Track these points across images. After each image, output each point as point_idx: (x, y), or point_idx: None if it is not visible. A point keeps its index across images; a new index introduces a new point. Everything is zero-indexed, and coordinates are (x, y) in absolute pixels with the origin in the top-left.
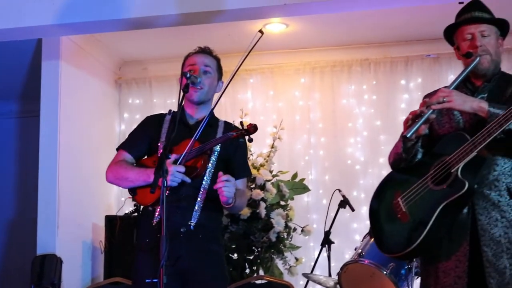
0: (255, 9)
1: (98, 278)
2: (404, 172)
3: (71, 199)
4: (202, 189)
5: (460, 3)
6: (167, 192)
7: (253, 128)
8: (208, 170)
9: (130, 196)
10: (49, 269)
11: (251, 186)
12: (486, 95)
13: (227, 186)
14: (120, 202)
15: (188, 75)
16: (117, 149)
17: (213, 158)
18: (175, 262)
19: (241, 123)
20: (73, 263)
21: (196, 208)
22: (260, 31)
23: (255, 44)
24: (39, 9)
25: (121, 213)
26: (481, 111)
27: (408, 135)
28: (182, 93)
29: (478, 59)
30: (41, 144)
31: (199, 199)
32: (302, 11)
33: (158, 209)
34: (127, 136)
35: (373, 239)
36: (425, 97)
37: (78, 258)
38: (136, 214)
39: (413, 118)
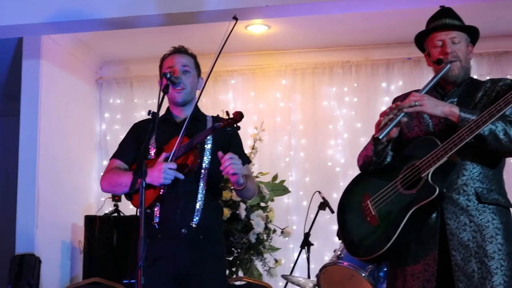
0: (236, 10)
1: (77, 278)
2: (373, 175)
3: (51, 199)
4: (201, 184)
5: (441, 6)
6: (162, 191)
7: (239, 116)
8: (204, 165)
9: (109, 196)
10: (27, 269)
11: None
12: (455, 99)
13: (234, 163)
14: (99, 202)
15: (168, 76)
16: (110, 160)
17: (207, 151)
18: (152, 263)
19: (227, 112)
20: (52, 263)
21: (198, 206)
22: (234, 17)
23: (231, 31)
24: (20, 8)
25: (100, 213)
26: (452, 115)
27: (380, 137)
28: (162, 94)
29: (448, 66)
30: (20, 143)
31: (199, 196)
32: (283, 12)
33: (157, 210)
34: (117, 147)
35: (342, 241)
36: (395, 99)
37: (57, 258)
38: (115, 214)
39: (385, 121)
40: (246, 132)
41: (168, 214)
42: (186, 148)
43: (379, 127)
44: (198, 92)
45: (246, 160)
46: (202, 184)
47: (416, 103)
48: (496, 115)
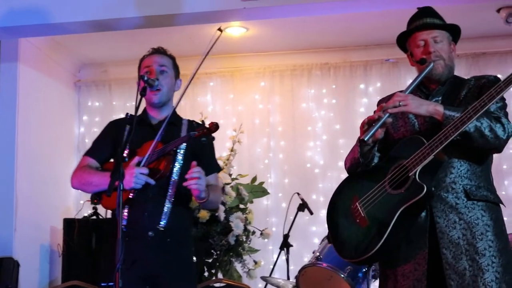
0: (215, 13)
1: (56, 282)
2: (361, 177)
3: (29, 202)
4: (170, 189)
5: (418, 8)
6: (131, 195)
7: (214, 127)
8: (175, 170)
9: (96, 200)
10: (5, 272)
11: None
12: (440, 98)
13: (199, 179)
14: (78, 205)
15: (145, 78)
16: (82, 156)
17: (179, 157)
18: (131, 265)
19: (203, 121)
20: (31, 266)
21: (165, 210)
22: (219, 29)
23: (214, 43)
24: None
25: (79, 216)
26: (437, 114)
27: (366, 139)
28: (139, 96)
29: (432, 64)
30: None
31: (167, 200)
32: (261, 15)
33: (126, 213)
34: (91, 144)
35: (331, 243)
36: (380, 101)
37: (36, 261)
38: (94, 217)
39: (370, 122)
40: (225, 134)
41: (136, 217)
42: (159, 154)
43: (363, 128)
44: (176, 94)
45: (216, 168)
46: (171, 189)
47: (400, 103)
48: (481, 111)
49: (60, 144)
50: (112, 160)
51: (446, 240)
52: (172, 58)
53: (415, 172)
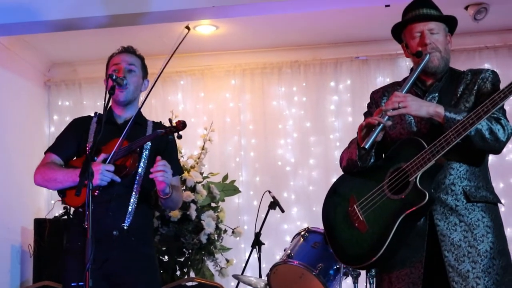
0: (183, 11)
1: (27, 282)
2: (357, 176)
3: None
4: (135, 189)
5: (386, 6)
6: (97, 192)
7: (181, 125)
8: (140, 169)
9: (60, 198)
10: None
11: (182, 188)
12: (437, 94)
13: (165, 171)
14: (49, 205)
15: (114, 77)
16: (45, 153)
17: (144, 156)
18: (101, 265)
19: (170, 120)
20: (1, 267)
21: (130, 209)
22: (187, 27)
23: (182, 40)
24: None
25: (50, 216)
26: (438, 116)
27: (367, 146)
28: (108, 95)
29: (428, 56)
30: None
31: (132, 199)
32: (230, 13)
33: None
34: (55, 140)
35: (328, 244)
36: (373, 94)
37: (7, 262)
38: (66, 217)
39: (368, 126)
40: (196, 133)
41: (100, 216)
42: (125, 151)
43: (362, 131)
44: (143, 94)
45: (178, 171)
46: (136, 188)
47: (400, 105)
48: (484, 117)
49: (30, 144)
50: (75, 158)
51: (448, 243)
52: (141, 58)
53: (416, 177)
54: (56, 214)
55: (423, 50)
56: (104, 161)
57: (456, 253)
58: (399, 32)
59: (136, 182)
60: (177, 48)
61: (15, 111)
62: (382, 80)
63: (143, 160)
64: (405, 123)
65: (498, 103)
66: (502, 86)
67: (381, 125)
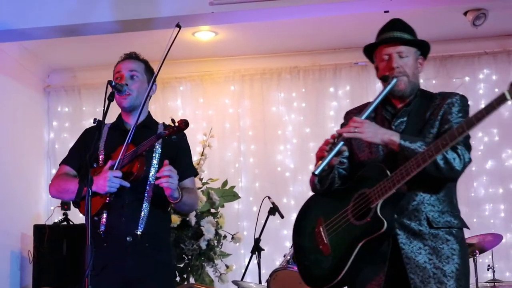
0: (183, 17)
1: None
2: (326, 198)
3: None
4: (146, 193)
5: (386, 11)
6: (108, 199)
7: (184, 124)
8: (151, 174)
9: (75, 206)
10: None
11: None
12: (405, 119)
13: (171, 177)
14: (49, 211)
15: (113, 84)
16: (60, 165)
17: (154, 161)
18: (100, 271)
19: (172, 120)
20: (1, 273)
21: (142, 215)
22: (178, 25)
23: (174, 39)
24: None
25: (50, 222)
26: (392, 144)
27: (317, 173)
28: (107, 102)
29: (395, 80)
30: None
31: (144, 205)
32: (229, 19)
33: (104, 218)
34: (67, 152)
35: (297, 266)
36: (347, 114)
37: (6, 268)
38: (65, 223)
39: (323, 150)
40: (195, 139)
41: (113, 222)
42: (131, 156)
43: (319, 157)
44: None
45: (192, 172)
46: (147, 193)
47: (355, 130)
48: (442, 150)
49: (30, 150)
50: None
51: (413, 265)
52: (145, 63)
53: (377, 205)
54: (56, 220)
55: (390, 74)
56: (111, 167)
57: (422, 275)
58: (371, 51)
59: (147, 188)
60: (170, 47)
61: (14, 117)
62: (381, 86)
63: (153, 164)
64: (373, 146)
65: (456, 137)
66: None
67: (335, 149)
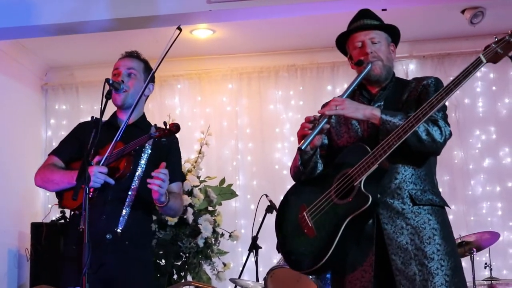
0: (180, 15)
1: (24, 286)
2: (308, 185)
3: None
4: (130, 192)
5: (383, 10)
6: (91, 194)
7: (175, 128)
8: (137, 174)
9: (57, 202)
10: None
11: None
12: (382, 103)
13: (162, 183)
14: (46, 209)
15: (110, 81)
16: (48, 155)
17: (142, 162)
18: (97, 269)
19: (165, 123)
20: None
21: (124, 213)
22: (179, 28)
23: (173, 41)
24: None
25: (47, 220)
26: (374, 118)
27: (303, 147)
28: (105, 100)
29: (370, 65)
30: None
31: (127, 203)
32: (227, 17)
33: (84, 214)
34: (58, 143)
35: (281, 254)
36: (323, 106)
37: (4, 266)
38: (62, 221)
39: (308, 129)
40: (193, 137)
41: (93, 220)
42: (118, 154)
43: (301, 136)
44: (144, 98)
45: (180, 177)
46: (131, 192)
47: (337, 107)
48: (422, 119)
49: (27, 148)
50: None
51: (395, 246)
52: (144, 62)
53: (360, 182)
54: (53, 218)
55: (364, 59)
56: (98, 163)
57: (403, 256)
58: (343, 43)
59: (131, 188)
60: (169, 49)
61: (12, 115)
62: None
63: (141, 164)
64: (352, 131)
65: (435, 106)
66: None
67: (318, 126)
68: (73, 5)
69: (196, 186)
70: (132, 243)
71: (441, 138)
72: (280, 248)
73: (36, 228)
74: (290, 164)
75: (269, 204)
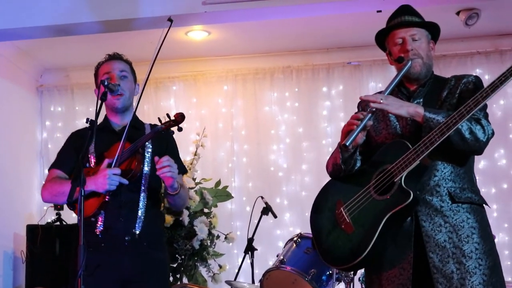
0: (175, 17)
1: None
2: (344, 181)
3: None
4: (142, 192)
5: (378, 11)
6: (107, 198)
7: (180, 117)
8: (144, 173)
9: (52, 205)
10: None
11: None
12: (421, 100)
13: (171, 166)
14: (42, 211)
15: (106, 83)
16: (49, 170)
17: (147, 158)
18: (115, 270)
19: (168, 115)
20: None
21: (140, 214)
22: (169, 19)
23: (166, 33)
24: None
25: (43, 222)
26: (417, 115)
27: (348, 144)
28: (100, 102)
29: (410, 63)
30: None
31: (141, 204)
32: (222, 18)
33: (100, 219)
34: (56, 156)
35: (316, 249)
36: (360, 104)
37: None
38: (58, 223)
39: (350, 126)
40: (189, 138)
41: (111, 223)
42: (129, 153)
43: (345, 133)
44: (135, 99)
45: (182, 169)
46: (143, 192)
47: (382, 101)
48: (466, 116)
49: (22, 150)
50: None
51: (433, 244)
52: (129, 63)
53: (401, 178)
54: (49, 220)
55: (405, 56)
56: (109, 166)
57: (441, 254)
58: (382, 39)
59: (142, 186)
60: (163, 41)
61: (7, 117)
62: (374, 85)
63: (146, 162)
64: (390, 128)
65: (480, 102)
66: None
67: (363, 122)
68: (68, 7)
69: (192, 188)
70: (149, 243)
71: (484, 137)
72: (315, 244)
73: (32, 230)
74: (285, 165)
75: (264, 206)
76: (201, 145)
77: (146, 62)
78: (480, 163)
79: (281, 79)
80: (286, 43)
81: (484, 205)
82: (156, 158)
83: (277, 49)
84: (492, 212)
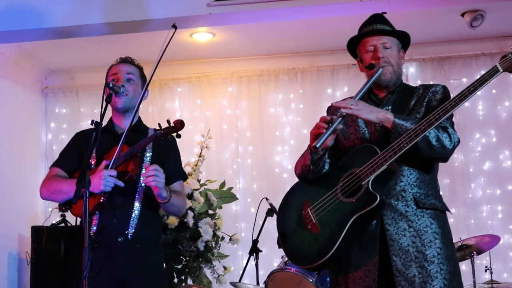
0: (180, 19)
1: None
2: (312, 183)
3: None
4: (137, 195)
5: (383, 13)
6: (102, 198)
7: (180, 124)
8: (142, 177)
9: (64, 208)
10: None
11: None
12: (390, 107)
13: (156, 176)
14: (47, 212)
15: (110, 85)
16: (50, 168)
17: (145, 163)
18: (108, 272)
19: (168, 121)
20: None
21: (133, 216)
22: (174, 26)
23: (170, 39)
24: None
25: (47, 224)
26: (387, 121)
27: (318, 146)
28: (105, 103)
29: (380, 70)
30: None
31: (135, 206)
32: (227, 20)
33: (95, 219)
34: (58, 154)
35: (281, 248)
36: (329, 108)
37: (4, 270)
38: (63, 224)
39: (319, 128)
40: (193, 140)
41: (105, 224)
42: (126, 156)
43: (314, 136)
44: (143, 103)
45: (181, 176)
46: (138, 194)
47: (352, 107)
48: (435, 124)
49: (27, 151)
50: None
51: (396, 247)
52: (140, 68)
53: (368, 181)
54: (54, 222)
55: (376, 64)
56: (106, 167)
57: (404, 257)
58: (354, 46)
59: (138, 189)
60: (165, 48)
61: (12, 119)
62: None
63: (144, 166)
64: (359, 133)
65: (449, 111)
66: None
67: (332, 126)
68: (72, 9)
69: (197, 190)
70: (143, 245)
71: (450, 144)
72: (281, 243)
73: (37, 231)
74: (290, 167)
75: (269, 207)
76: (206, 147)
77: (150, 64)
78: (485, 165)
79: (286, 80)
80: (290, 45)
81: (446, 211)
82: (146, 165)
83: (282, 50)
84: (497, 214)
